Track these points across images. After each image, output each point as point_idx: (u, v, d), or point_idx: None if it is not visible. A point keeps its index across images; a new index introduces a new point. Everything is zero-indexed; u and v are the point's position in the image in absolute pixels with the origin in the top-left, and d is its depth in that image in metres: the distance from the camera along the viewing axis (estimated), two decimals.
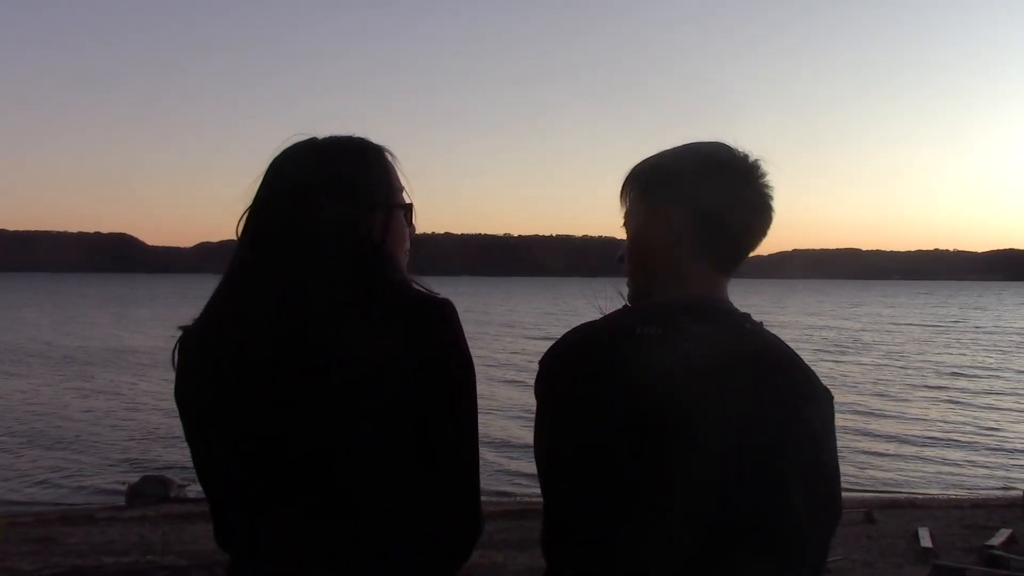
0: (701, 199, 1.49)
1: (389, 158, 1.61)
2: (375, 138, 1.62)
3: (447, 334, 1.47)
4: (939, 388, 27.29)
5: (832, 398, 1.46)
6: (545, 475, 1.52)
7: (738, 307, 1.53)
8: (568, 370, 1.49)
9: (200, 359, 1.52)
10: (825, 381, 1.48)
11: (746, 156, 1.53)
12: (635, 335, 1.45)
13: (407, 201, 1.62)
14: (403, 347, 1.42)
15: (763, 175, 1.52)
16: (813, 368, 1.47)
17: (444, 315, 1.48)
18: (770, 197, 1.53)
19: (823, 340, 44.14)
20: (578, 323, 1.59)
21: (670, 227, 1.51)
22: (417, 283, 1.53)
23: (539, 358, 1.60)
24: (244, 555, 1.54)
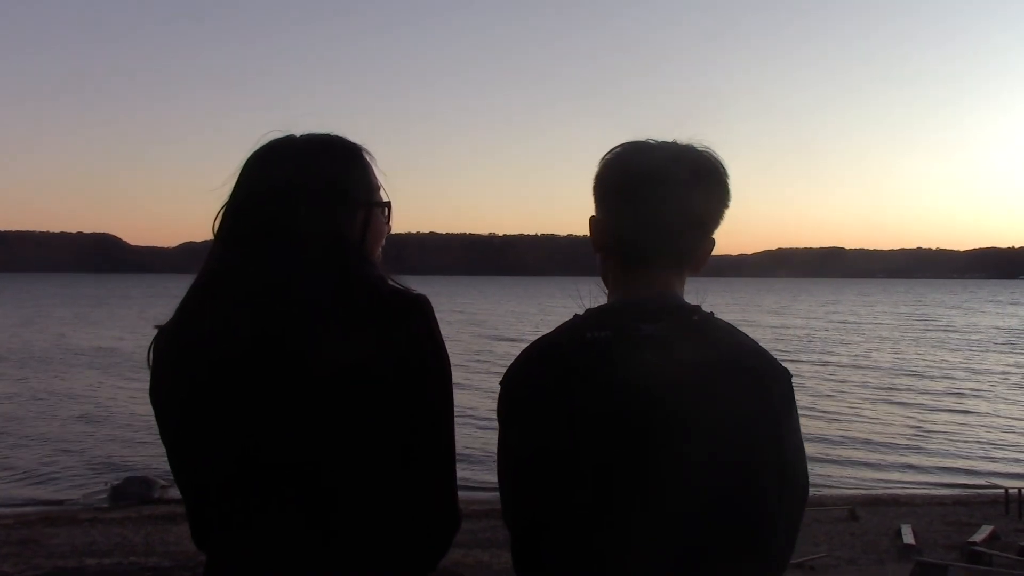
0: (649, 202, 1.49)
1: (367, 157, 1.61)
2: (359, 136, 1.62)
3: (423, 329, 1.48)
4: (920, 387, 27.45)
5: (790, 376, 1.47)
6: (513, 487, 1.51)
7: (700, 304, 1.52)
8: (530, 385, 1.49)
9: (175, 359, 1.51)
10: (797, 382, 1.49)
11: (689, 151, 1.52)
12: (584, 341, 1.45)
13: (385, 199, 1.63)
14: (379, 344, 1.43)
15: (710, 172, 1.52)
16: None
17: (420, 310, 1.49)
18: (717, 193, 1.52)
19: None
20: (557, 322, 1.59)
21: (617, 232, 1.53)
22: (393, 280, 1.53)
23: (509, 359, 1.59)
24: (221, 555, 1.53)
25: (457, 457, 1.54)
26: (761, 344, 1.49)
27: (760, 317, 63.98)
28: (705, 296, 1.54)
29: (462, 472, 1.56)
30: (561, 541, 1.43)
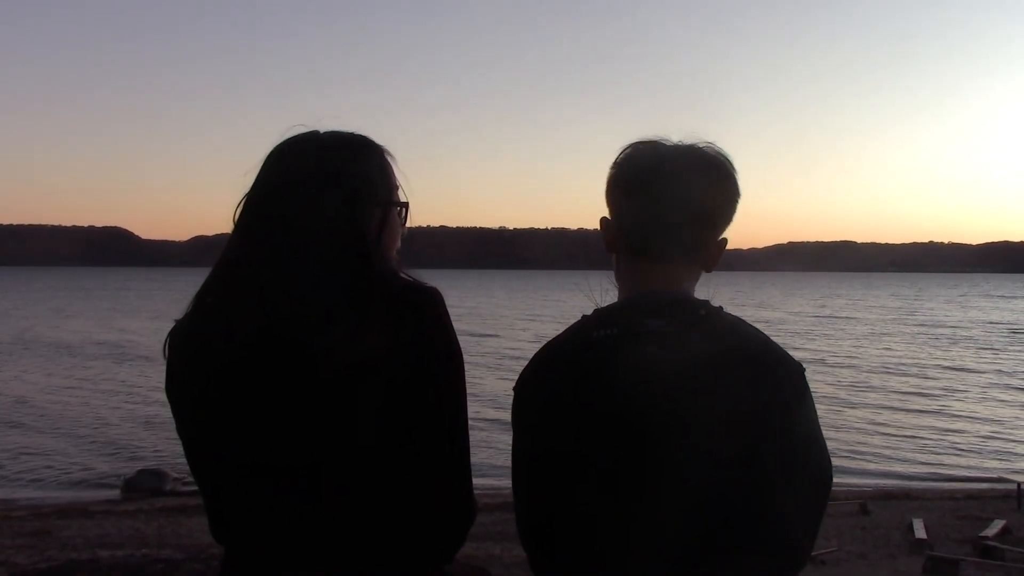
0: (652, 195, 1.49)
1: (388, 157, 1.62)
2: (373, 131, 1.62)
3: (435, 322, 1.48)
4: (929, 383, 27.34)
5: (803, 370, 1.45)
6: (525, 488, 1.52)
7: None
8: (539, 387, 1.49)
9: (189, 354, 1.52)
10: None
11: (695, 149, 1.52)
12: (591, 340, 1.45)
13: (403, 200, 1.63)
14: (392, 338, 1.43)
15: (715, 166, 1.52)
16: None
17: (431, 303, 1.49)
18: (723, 188, 1.52)
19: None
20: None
21: (624, 229, 1.53)
22: (406, 273, 1.54)
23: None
24: (239, 548, 1.54)
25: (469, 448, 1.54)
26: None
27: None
28: (714, 290, 1.54)
29: (474, 463, 1.56)
30: (570, 541, 1.44)
